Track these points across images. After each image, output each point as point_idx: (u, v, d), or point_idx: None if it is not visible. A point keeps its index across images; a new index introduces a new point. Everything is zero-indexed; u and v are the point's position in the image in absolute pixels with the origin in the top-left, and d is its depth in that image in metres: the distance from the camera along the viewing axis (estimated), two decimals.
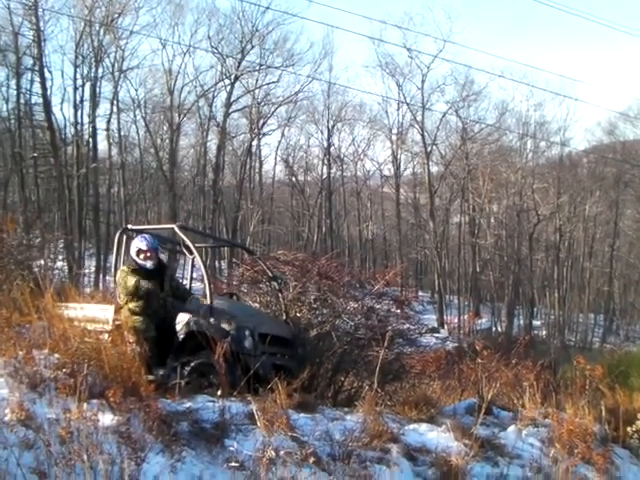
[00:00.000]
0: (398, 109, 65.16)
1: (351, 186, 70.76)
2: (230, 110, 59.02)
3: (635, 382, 14.33)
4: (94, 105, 51.70)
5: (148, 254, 10.82)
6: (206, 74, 59.26)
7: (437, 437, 8.66)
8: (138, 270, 10.70)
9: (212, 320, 10.53)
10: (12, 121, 50.66)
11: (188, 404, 8.42)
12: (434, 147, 64.56)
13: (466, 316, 57.67)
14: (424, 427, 8.99)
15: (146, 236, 11.14)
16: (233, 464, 7.05)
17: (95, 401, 7.35)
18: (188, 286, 13.34)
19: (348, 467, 7.39)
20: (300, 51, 61.82)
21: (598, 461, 8.67)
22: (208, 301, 10.81)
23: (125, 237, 12.02)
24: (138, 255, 10.84)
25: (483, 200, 61.67)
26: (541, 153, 69.19)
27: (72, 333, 8.55)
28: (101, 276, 45.88)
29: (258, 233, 62.33)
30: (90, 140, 52.79)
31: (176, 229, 12.08)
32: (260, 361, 10.03)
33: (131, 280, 10.53)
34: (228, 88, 58.52)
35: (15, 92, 49.63)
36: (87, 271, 44.32)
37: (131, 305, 10.64)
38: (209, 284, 11.31)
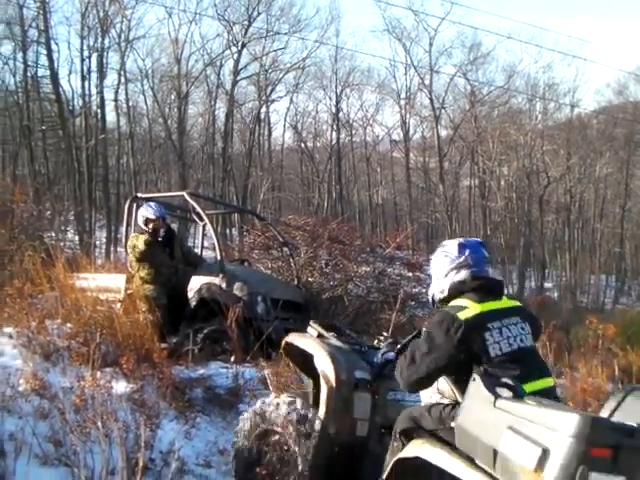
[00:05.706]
0: (406, 73, 64.53)
1: (360, 151, 70.42)
2: (238, 78, 58.66)
3: None
4: (101, 76, 51.32)
5: (156, 223, 10.84)
6: (213, 42, 58.77)
7: None
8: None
9: (224, 286, 10.54)
10: (20, 94, 50.37)
11: (201, 371, 8.44)
12: (443, 111, 63.96)
13: None
14: None
15: (152, 204, 11.14)
16: None
17: (108, 369, 7.36)
18: (200, 254, 13.35)
19: None
20: (307, 17, 61.65)
21: None
22: (220, 268, 10.82)
23: (135, 206, 12.01)
24: (146, 224, 10.86)
25: (493, 163, 61.36)
26: (550, 115, 68.40)
27: (84, 302, 8.55)
28: (112, 247, 45.84)
29: (268, 200, 62.10)
30: (98, 111, 52.48)
31: (186, 196, 12.07)
32: (273, 326, 10.02)
33: (141, 243, 10.56)
34: (235, 56, 58.10)
35: (22, 65, 49.10)
36: (98, 242, 44.24)
37: (142, 274, 10.67)
38: (220, 251, 11.31)
